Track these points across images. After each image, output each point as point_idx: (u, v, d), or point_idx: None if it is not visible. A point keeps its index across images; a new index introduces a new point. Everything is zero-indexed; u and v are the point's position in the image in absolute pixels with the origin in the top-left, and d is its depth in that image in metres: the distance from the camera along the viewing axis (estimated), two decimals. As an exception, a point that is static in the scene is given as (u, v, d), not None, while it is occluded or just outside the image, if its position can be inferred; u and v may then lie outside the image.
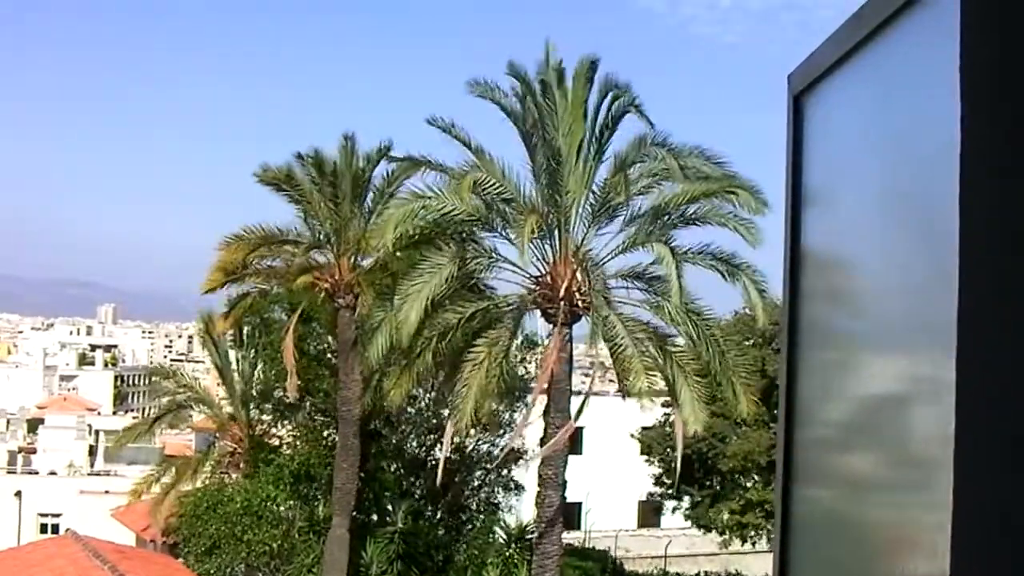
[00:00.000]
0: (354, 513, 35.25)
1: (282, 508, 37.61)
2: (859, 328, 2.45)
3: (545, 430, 28.36)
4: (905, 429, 2.13)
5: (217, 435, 43.65)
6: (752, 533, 44.60)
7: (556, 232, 27.69)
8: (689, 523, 49.39)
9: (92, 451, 69.22)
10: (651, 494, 51.13)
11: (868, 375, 2.38)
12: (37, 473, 65.71)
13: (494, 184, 27.70)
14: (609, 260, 28.23)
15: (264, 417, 42.63)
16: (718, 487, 46.16)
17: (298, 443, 40.93)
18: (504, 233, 28.09)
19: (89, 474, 64.25)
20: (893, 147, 2.20)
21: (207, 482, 40.32)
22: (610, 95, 27.56)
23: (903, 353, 2.15)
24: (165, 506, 39.53)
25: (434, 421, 39.48)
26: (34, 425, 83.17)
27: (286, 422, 42.22)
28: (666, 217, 27.62)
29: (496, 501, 41.87)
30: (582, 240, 28.00)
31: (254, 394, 41.88)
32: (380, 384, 30.60)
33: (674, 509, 50.57)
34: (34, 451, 72.82)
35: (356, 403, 33.40)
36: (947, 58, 1.80)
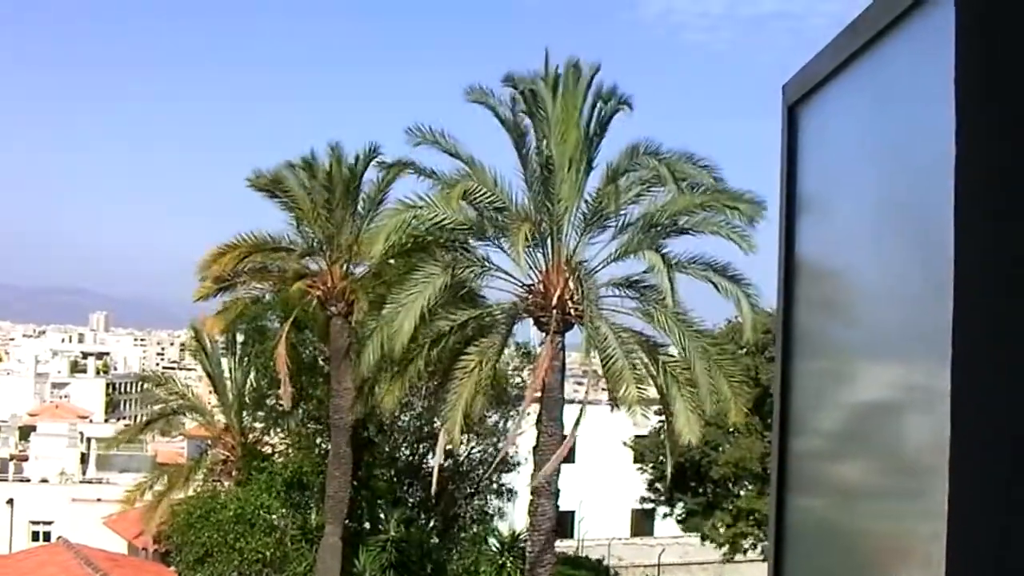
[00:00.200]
0: (347, 521, 35.23)
1: (275, 516, 37.54)
2: (853, 337, 2.46)
3: (538, 439, 28.35)
4: (900, 438, 2.14)
5: (209, 443, 43.59)
6: (745, 542, 44.60)
7: (549, 240, 27.70)
8: (682, 531, 49.41)
9: (84, 459, 69.22)
10: (644, 499, 51.12)
11: (863, 384, 2.39)
12: (29, 481, 65.66)
13: (485, 193, 27.69)
14: (602, 268, 28.26)
15: (256, 425, 42.58)
16: (711, 495, 46.18)
17: (291, 451, 40.87)
18: (496, 242, 28.10)
19: (81, 482, 64.22)
20: (888, 158, 2.20)
21: (199, 490, 40.25)
22: (600, 100, 27.60)
23: (898, 362, 2.16)
24: (157, 514, 39.46)
25: (427, 429, 39.46)
26: (26, 432, 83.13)
27: (279, 430, 42.17)
28: (658, 227, 27.63)
29: (489, 510, 41.85)
30: (574, 248, 28.00)
31: (247, 402, 41.82)
32: (373, 392, 30.56)
33: (665, 515, 50.55)
34: (26, 458, 72.76)
35: (348, 411, 33.37)
36: (943, 69, 1.81)
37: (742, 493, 44.59)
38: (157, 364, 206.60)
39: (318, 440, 40.13)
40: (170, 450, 61.58)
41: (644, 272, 27.44)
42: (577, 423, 27.58)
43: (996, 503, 1.78)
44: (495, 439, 40.91)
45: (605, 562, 51.33)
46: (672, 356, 27.82)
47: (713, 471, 43.95)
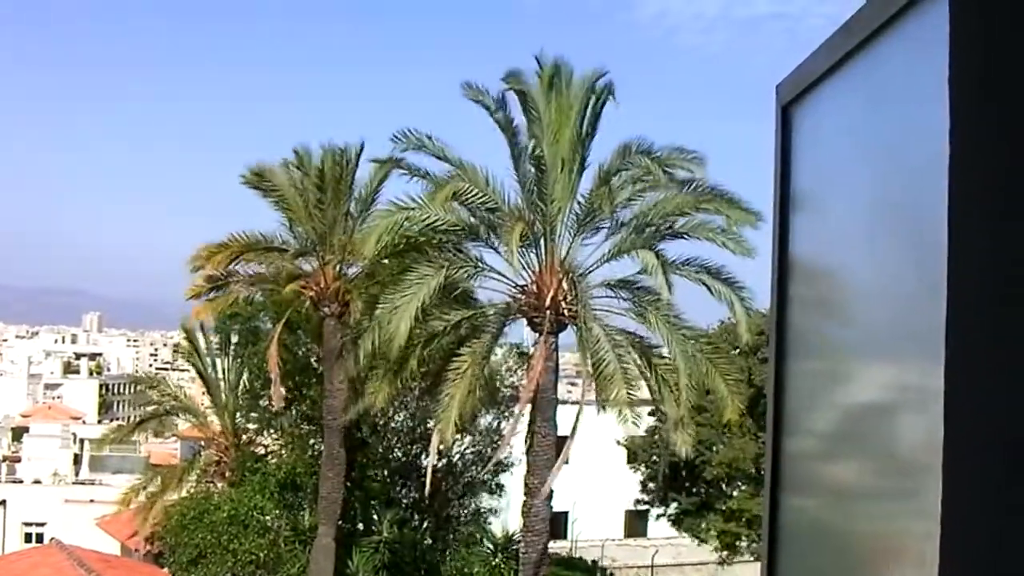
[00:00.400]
0: (340, 522, 35.19)
1: (268, 517, 37.51)
2: (847, 337, 2.46)
3: (532, 440, 28.35)
4: (893, 438, 2.13)
5: (203, 444, 43.58)
6: (740, 543, 44.57)
7: (542, 241, 27.70)
8: (676, 530, 49.37)
9: (77, 460, 69.12)
10: (639, 501, 51.12)
11: (856, 384, 2.39)
12: (22, 482, 65.57)
13: (477, 194, 27.68)
14: (596, 269, 28.27)
15: (250, 426, 42.57)
16: (704, 495, 46.17)
17: (284, 452, 40.86)
18: (490, 243, 28.10)
19: (74, 483, 64.12)
20: (882, 158, 2.20)
21: (192, 491, 40.23)
22: (592, 97, 27.61)
23: (892, 362, 2.15)
24: (151, 515, 39.44)
25: (420, 430, 39.45)
26: (19, 434, 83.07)
27: (272, 431, 42.14)
28: (652, 227, 27.63)
29: (482, 511, 41.84)
30: (568, 249, 28.00)
31: (240, 403, 41.81)
32: (364, 392, 30.54)
33: (659, 516, 50.52)
34: (19, 460, 72.69)
35: (342, 412, 33.33)
36: (937, 69, 1.81)
37: (735, 494, 44.57)
38: (150, 365, 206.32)
39: (311, 441, 40.11)
40: (163, 451, 61.54)
41: (638, 273, 27.45)
42: (575, 425, 27.56)
43: (990, 505, 1.78)
44: (489, 439, 40.92)
45: (599, 563, 51.29)
46: (665, 358, 27.82)
47: (707, 472, 43.92)
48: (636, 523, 59.07)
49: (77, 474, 67.09)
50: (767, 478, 2.85)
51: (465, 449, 41.09)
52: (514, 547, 35.38)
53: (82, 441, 70.80)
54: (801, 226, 2.75)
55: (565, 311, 27.52)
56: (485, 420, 40.64)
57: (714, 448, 43.52)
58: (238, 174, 33.69)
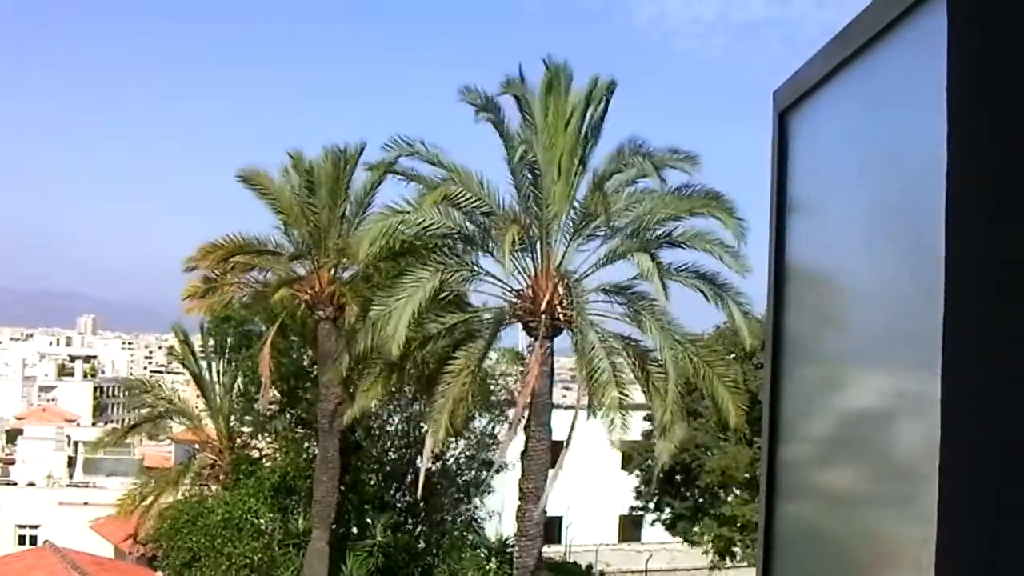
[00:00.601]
0: (334, 526, 35.17)
1: (262, 521, 37.48)
2: (844, 343, 2.46)
3: (526, 444, 28.36)
4: (890, 444, 2.14)
5: (197, 447, 43.54)
6: (734, 549, 44.57)
7: (538, 245, 27.70)
8: (670, 535, 49.36)
9: (71, 462, 69.02)
10: (633, 508, 51.09)
11: (853, 390, 2.39)
12: (15, 484, 65.46)
13: (471, 197, 27.69)
14: (592, 273, 28.29)
15: (244, 429, 42.54)
16: (698, 500, 46.15)
17: (278, 455, 40.83)
18: (485, 246, 28.11)
19: (68, 485, 64.06)
20: (879, 163, 2.21)
21: (187, 494, 40.19)
22: (591, 104, 27.62)
23: (888, 368, 2.16)
24: (146, 518, 39.42)
25: (415, 434, 39.44)
26: (12, 436, 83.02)
27: (266, 434, 42.12)
28: (648, 231, 27.64)
29: (476, 515, 41.82)
30: (563, 253, 28.01)
31: (234, 406, 41.78)
32: (354, 396, 30.53)
33: (653, 521, 50.50)
34: (12, 462, 72.65)
35: (336, 415, 33.28)
36: (934, 76, 1.81)
37: (730, 499, 44.56)
38: (145, 368, 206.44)
39: (305, 445, 40.10)
40: (157, 454, 61.51)
41: (634, 277, 27.47)
42: (571, 430, 27.55)
43: (987, 507, 1.78)
44: (483, 443, 40.94)
45: (593, 568, 51.26)
46: (658, 363, 27.80)
47: (701, 477, 43.92)
48: (630, 528, 59.04)
49: (71, 477, 67.01)
50: (763, 484, 2.85)
51: (459, 453, 41.08)
52: (508, 552, 35.37)
53: (76, 444, 70.73)
54: (798, 232, 2.75)
55: (561, 315, 27.53)
56: (480, 424, 40.64)
57: (709, 453, 43.51)
58: (234, 176, 33.70)
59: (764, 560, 2.83)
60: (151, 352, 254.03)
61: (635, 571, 53.45)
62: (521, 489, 28.63)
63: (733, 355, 38.25)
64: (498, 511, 42.18)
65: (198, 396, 44.35)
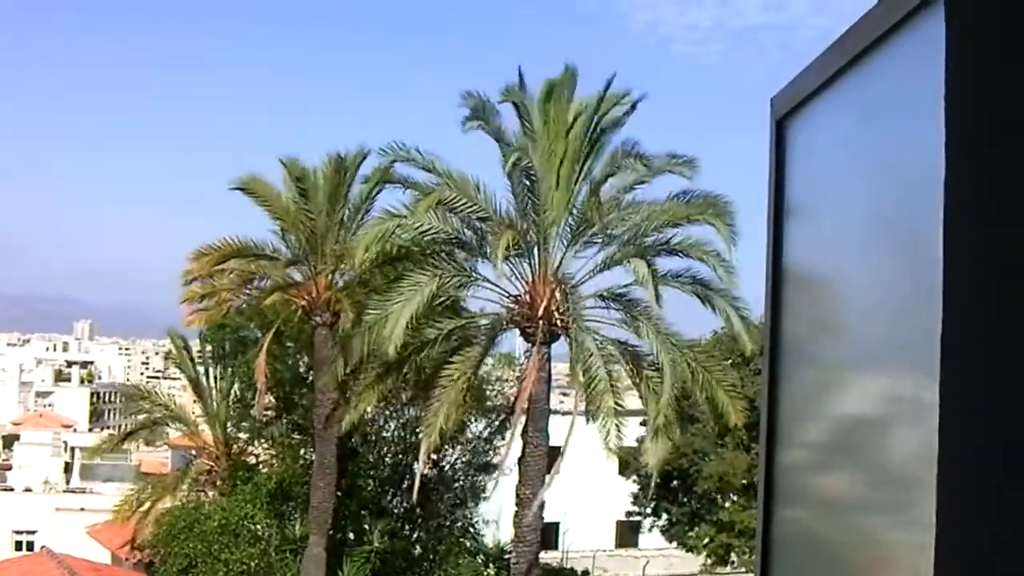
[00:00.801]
0: (331, 532, 35.14)
1: (259, 527, 37.43)
2: (842, 349, 2.47)
3: (523, 449, 28.37)
4: (887, 450, 2.14)
5: (194, 453, 43.50)
6: (729, 554, 44.57)
7: (535, 251, 27.71)
8: (666, 541, 49.36)
9: (68, 468, 68.95)
10: (630, 513, 51.10)
11: (851, 396, 2.40)
12: (12, 490, 65.39)
13: (466, 203, 27.70)
14: (589, 279, 28.31)
15: (241, 435, 42.50)
16: (695, 506, 46.16)
17: (275, 461, 40.80)
18: (482, 252, 28.12)
19: (65, 491, 63.97)
20: (877, 171, 2.22)
21: (184, 500, 40.14)
22: (597, 113, 27.63)
23: (886, 373, 2.17)
24: (144, 524, 39.37)
25: (412, 439, 39.39)
26: (9, 441, 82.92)
27: (263, 440, 42.08)
28: (645, 238, 27.66)
29: (473, 521, 41.78)
30: (561, 259, 28.02)
31: (231, 412, 41.75)
32: (351, 401, 30.53)
33: (651, 527, 50.51)
34: (9, 467, 72.56)
35: (333, 420, 33.25)
36: (931, 84, 1.82)
37: (727, 505, 44.57)
38: (142, 373, 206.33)
39: (302, 450, 40.07)
40: (154, 460, 61.45)
41: (631, 284, 27.50)
42: (568, 436, 27.55)
43: (987, 507, 1.79)
44: (480, 448, 40.93)
45: (590, 574, 51.23)
46: (656, 367, 27.82)
47: (699, 483, 43.93)
48: (627, 534, 59.04)
49: (68, 482, 66.94)
50: (760, 490, 2.85)
51: (456, 459, 41.05)
52: (505, 557, 35.35)
53: (73, 449, 70.67)
54: (795, 238, 2.76)
55: (558, 321, 27.54)
56: (476, 429, 40.63)
57: (707, 459, 43.51)
58: (229, 186, 33.67)
59: (762, 566, 2.83)
60: (148, 357, 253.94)
61: (632, 577, 53.45)
62: (518, 495, 28.62)
63: (730, 361, 38.30)
64: (495, 519, 42.15)
65: (195, 402, 44.31)
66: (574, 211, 27.83)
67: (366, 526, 38.81)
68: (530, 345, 28.09)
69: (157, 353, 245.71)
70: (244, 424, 41.88)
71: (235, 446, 42.06)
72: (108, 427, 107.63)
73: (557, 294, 27.60)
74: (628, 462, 47.14)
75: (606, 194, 27.88)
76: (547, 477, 28.03)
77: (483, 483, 40.84)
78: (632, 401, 28.93)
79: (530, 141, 27.39)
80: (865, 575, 2.26)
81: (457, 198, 27.59)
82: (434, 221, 27.66)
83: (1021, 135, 1.82)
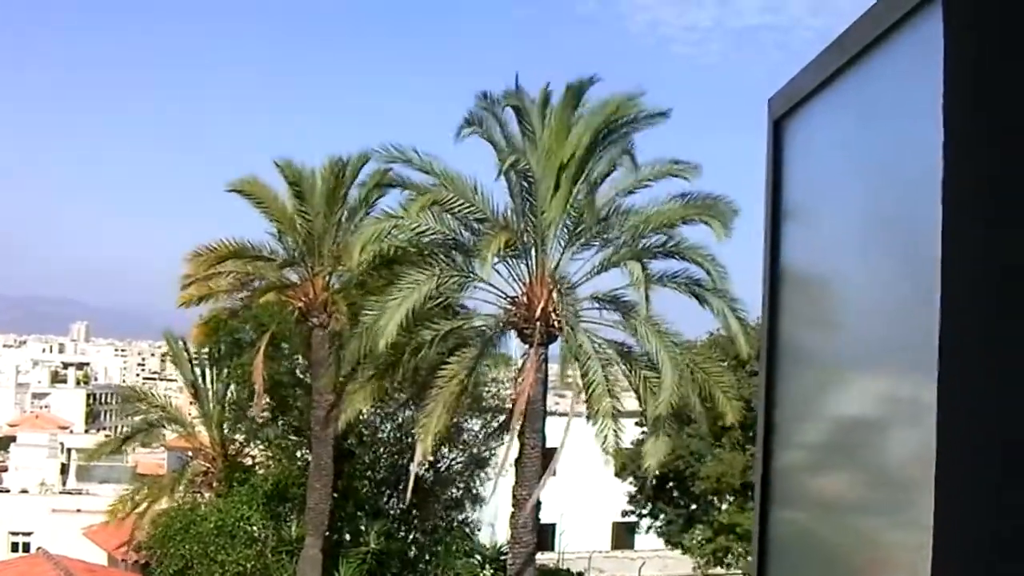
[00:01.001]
0: (327, 533, 35.12)
1: (255, 528, 37.44)
2: (840, 350, 2.46)
3: (520, 451, 28.37)
4: (885, 450, 2.14)
5: (190, 454, 43.50)
6: (727, 557, 44.55)
7: (533, 252, 27.72)
8: (663, 543, 49.37)
9: (64, 469, 68.95)
10: (626, 512, 51.11)
11: (848, 396, 2.39)
12: (8, 491, 65.43)
13: (463, 204, 27.72)
14: (586, 281, 28.33)
15: (237, 437, 42.50)
16: (692, 507, 46.17)
17: (271, 463, 40.80)
18: (479, 253, 28.12)
19: (61, 492, 63.97)
20: (875, 172, 2.21)
21: (180, 501, 40.13)
22: (603, 122, 27.65)
23: (884, 374, 2.16)
24: (141, 525, 39.38)
25: (408, 440, 39.39)
26: (5, 443, 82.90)
27: (259, 442, 42.08)
28: (643, 239, 27.68)
29: (470, 522, 41.79)
30: (559, 261, 28.03)
31: (227, 414, 41.75)
32: (347, 401, 30.52)
33: (648, 528, 50.54)
34: (5, 469, 72.58)
35: (329, 420, 33.25)
36: (930, 84, 1.82)
37: (724, 507, 44.57)
38: (138, 375, 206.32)
39: (298, 452, 40.07)
40: (150, 461, 61.40)
41: (628, 285, 27.51)
42: (564, 437, 27.56)
43: (986, 508, 1.78)
44: (475, 449, 40.95)
45: (586, 575, 51.23)
46: (653, 368, 27.82)
47: (695, 485, 43.93)
48: (623, 535, 59.06)
49: (64, 484, 66.93)
50: (757, 491, 2.85)
51: (454, 460, 41.07)
52: (502, 558, 35.35)
53: (69, 451, 70.65)
54: (793, 239, 2.76)
55: (555, 323, 27.55)
56: (472, 430, 40.65)
57: (702, 460, 43.51)
58: (225, 188, 33.67)
59: (759, 567, 2.83)
60: (144, 359, 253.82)
61: (628, 578, 53.45)
62: (515, 496, 28.63)
63: (726, 363, 38.34)
64: (492, 520, 42.15)
65: (191, 403, 44.31)
66: (572, 213, 27.82)
67: (362, 527, 38.84)
68: (528, 347, 28.09)
69: (153, 355, 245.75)
70: (240, 426, 41.89)
71: (231, 447, 42.08)
72: (104, 428, 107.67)
73: (555, 296, 27.61)
74: (625, 464, 47.19)
75: (605, 196, 27.91)
76: (543, 477, 28.00)
77: (479, 484, 40.87)
78: (628, 403, 28.94)
79: (529, 144, 27.40)
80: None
81: (454, 199, 27.61)
82: (430, 222, 27.68)
83: (1020, 135, 1.81)
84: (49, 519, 56.31)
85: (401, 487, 39.59)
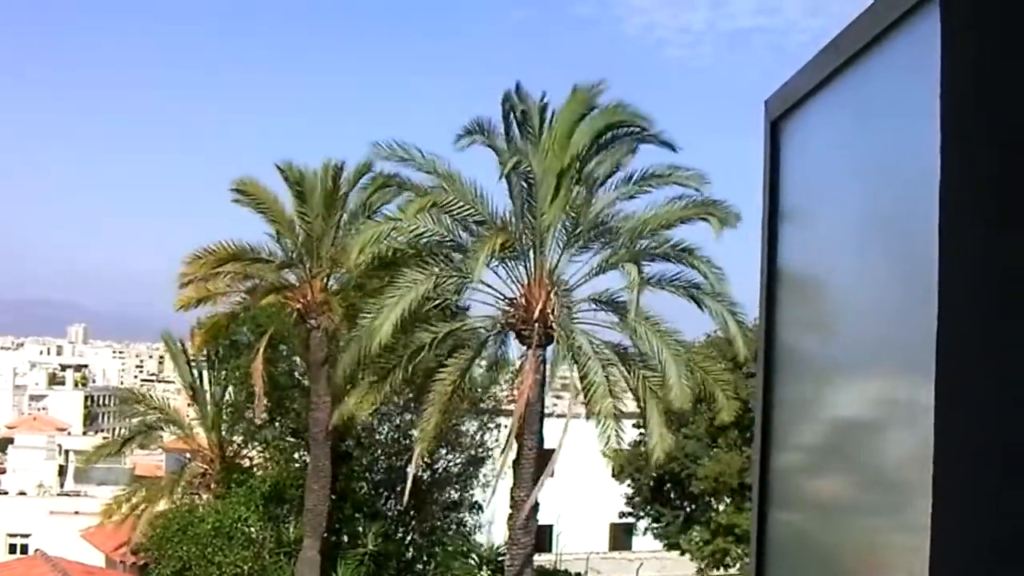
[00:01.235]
0: (325, 534, 35.13)
1: (253, 530, 37.43)
2: (837, 351, 2.46)
3: (518, 452, 28.38)
4: (883, 452, 2.13)
5: (188, 456, 43.49)
6: (726, 558, 44.54)
7: (531, 254, 27.74)
8: (660, 544, 49.35)
9: (62, 471, 68.94)
10: (623, 514, 51.11)
11: (846, 398, 2.39)
12: (6, 493, 65.39)
13: (463, 206, 27.73)
14: (584, 283, 28.37)
15: (235, 439, 42.49)
16: (691, 508, 46.15)
17: (269, 464, 40.79)
18: (473, 254, 28.13)
19: (59, 494, 63.95)
20: (872, 173, 2.21)
21: (178, 503, 40.11)
22: (604, 126, 27.69)
23: (882, 376, 2.16)
24: (138, 527, 39.34)
25: (405, 442, 39.41)
26: (3, 445, 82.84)
27: (256, 443, 42.07)
28: (641, 240, 27.70)
29: (467, 523, 41.81)
30: (557, 263, 28.05)
31: (224, 416, 41.73)
32: (348, 402, 30.53)
33: (646, 530, 50.53)
34: (3, 471, 72.56)
35: (327, 422, 33.25)
36: (927, 84, 1.81)
37: (721, 508, 44.55)
38: (135, 377, 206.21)
39: (296, 454, 40.08)
40: (148, 463, 61.40)
41: (625, 287, 27.54)
42: (562, 438, 27.57)
43: (985, 511, 1.78)
44: (474, 452, 40.97)
45: (584, 576, 51.27)
46: (653, 369, 27.84)
47: (692, 486, 43.92)
48: (621, 536, 59.04)
49: (62, 485, 66.92)
50: (755, 492, 2.84)
51: (451, 462, 41.08)
52: (499, 560, 35.36)
53: (67, 452, 70.64)
54: (790, 240, 2.75)
55: (554, 324, 27.56)
56: (470, 430, 40.67)
57: (698, 461, 43.52)
58: (229, 188, 33.68)
59: (757, 569, 2.83)
60: (142, 361, 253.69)
61: (626, 579, 53.42)
62: (513, 497, 28.66)
63: (722, 365, 38.37)
64: (489, 521, 42.15)
65: (189, 405, 44.30)
66: (571, 215, 27.85)
67: (360, 528, 38.85)
68: (526, 348, 28.10)
69: (151, 356, 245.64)
70: (238, 427, 41.88)
71: (229, 449, 42.06)
72: (102, 430, 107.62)
73: (553, 297, 27.63)
74: (623, 466, 47.20)
75: (604, 199, 27.96)
76: (540, 479, 28.02)
77: (476, 485, 40.91)
78: (626, 406, 28.98)
79: (531, 146, 27.42)
80: (861, 578, 2.25)
81: (454, 201, 27.64)
82: (429, 223, 27.70)
83: (1018, 135, 1.81)
84: (47, 521, 56.27)
85: (399, 488, 39.61)
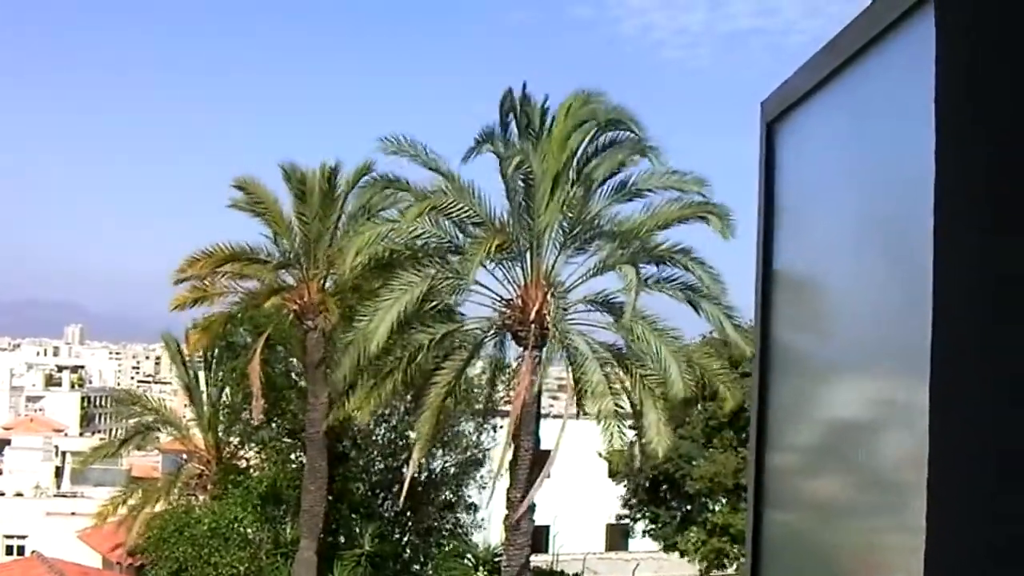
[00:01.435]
0: (321, 535, 35.11)
1: (249, 531, 37.40)
2: (832, 352, 2.46)
3: (515, 453, 28.37)
4: (878, 453, 2.14)
5: (185, 457, 43.46)
6: (722, 559, 44.53)
7: (528, 255, 27.73)
8: (656, 545, 49.35)
9: (59, 472, 68.94)
10: (620, 516, 51.14)
11: (841, 399, 2.39)
12: (3, 494, 65.38)
13: (462, 208, 27.72)
14: (580, 284, 28.37)
15: (232, 440, 42.45)
16: (687, 508, 46.15)
17: (266, 465, 40.76)
18: (470, 255, 28.13)
19: (55, 495, 63.94)
20: (868, 174, 2.21)
21: (174, 504, 40.07)
22: (598, 128, 27.69)
23: (877, 377, 2.16)
24: (134, 528, 39.31)
25: (402, 443, 39.41)
26: (0, 446, 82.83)
27: (254, 444, 42.04)
28: (637, 243, 27.71)
29: (464, 524, 41.79)
30: (553, 264, 28.06)
31: (221, 417, 41.70)
32: (346, 404, 30.52)
33: (644, 531, 50.53)
34: (0, 472, 72.47)
35: (323, 424, 33.24)
36: (923, 86, 1.82)
37: (717, 508, 44.55)
38: (132, 378, 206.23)
39: (293, 455, 40.05)
40: (145, 464, 61.40)
41: (622, 289, 27.54)
42: (558, 439, 27.57)
43: (980, 515, 1.78)
44: (469, 452, 40.97)
45: (580, 577, 51.27)
46: (649, 368, 27.82)
47: (688, 486, 43.92)
48: (617, 537, 59.06)
49: (59, 487, 66.92)
50: (751, 493, 2.85)
51: (448, 463, 41.07)
52: (496, 560, 35.35)
53: (64, 454, 70.65)
54: (786, 242, 2.75)
55: (550, 325, 27.56)
56: (465, 432, 40.65)
57: (693, 462, 43.52)
58: (229, 186, 33.68)
59: (752, 569, 2.83)
60: (138, 362, 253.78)
61: (623, 580, 53.42)
62: (509, 498, 28.64)
63: (720, 362, 38.38)
64: (486, 521, 42.15)
65: (186, 406, 44.28)
66: (568, 216, 27.86)
67: (357, 529, 38.80)
68: (522, 349, 28.10)
69: (147, 357, 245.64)
70: (235, 428, 41.84)
71: (226, 450, 42.02)
72: (99, 431, 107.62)
73: (549, 298, 27.64)
74: (619, 467, 47.20)
75: (602, 200, 27.99)
76: (537, 479, 28.02)
77: (473, 486, 40.90)
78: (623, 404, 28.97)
79: (531, 147, 27.43)
80: (857, 579, 2.26)
81: (453, 202, 27.64)
82: (427, 225, 27.70)
83: (1013, 137, 1.81)
84: (44, 522, 56.28)
85: (395, 489, 39.60)
